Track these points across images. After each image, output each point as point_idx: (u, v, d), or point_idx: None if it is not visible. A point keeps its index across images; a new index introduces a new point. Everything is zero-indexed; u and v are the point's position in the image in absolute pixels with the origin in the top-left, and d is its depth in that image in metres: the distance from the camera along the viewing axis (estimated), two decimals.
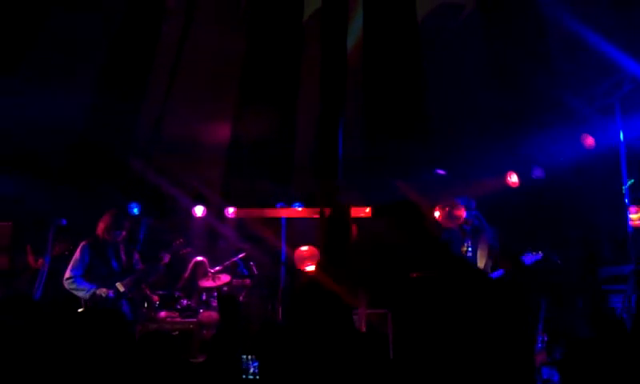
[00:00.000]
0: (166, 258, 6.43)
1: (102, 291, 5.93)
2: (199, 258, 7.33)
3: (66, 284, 5.96)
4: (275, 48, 8.77)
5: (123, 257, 6.25)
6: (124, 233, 6.24)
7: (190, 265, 7.55)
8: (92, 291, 5.91)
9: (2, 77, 7.29)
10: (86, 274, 6.01)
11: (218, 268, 7.61)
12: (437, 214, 6.33)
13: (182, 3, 8.95)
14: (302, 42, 8.87)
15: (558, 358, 4.83)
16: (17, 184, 7.04)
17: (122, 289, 6.03)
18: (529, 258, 6.00)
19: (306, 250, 7.18)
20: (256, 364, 3.56)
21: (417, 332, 3.30)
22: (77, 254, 6.04)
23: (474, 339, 3.31)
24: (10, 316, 3.47)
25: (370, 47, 8.65)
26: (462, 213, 6.24)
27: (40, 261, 6.27)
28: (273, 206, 7.24)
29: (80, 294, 5.90)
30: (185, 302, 7.39)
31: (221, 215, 8.72)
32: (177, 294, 7.42)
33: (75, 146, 8.13)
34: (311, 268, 6.98)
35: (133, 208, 7.99)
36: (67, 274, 5.97)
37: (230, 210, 8.68)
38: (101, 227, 6.18)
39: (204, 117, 9.10)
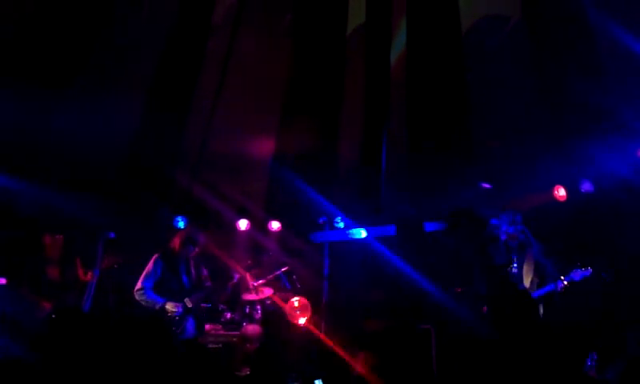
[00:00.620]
0: (236, 278, 6.57)
1: (171, 306, 6.07)
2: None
3: (137, 295, 6.10)
4: (319, 62, 8.80)
5: (193, 272, 6.40)
6: (197, 249, 6.37)
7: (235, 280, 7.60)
8: (161, 304, 6.05)
9: (56, 89, 7.54)
10: (157, 286, 6.16)
11: (261, 281, 7.64)
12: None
13: (229, 19, 9.10)
14: (345, 56, 8.89)
15: (609, 377, 4.68)
16: (68, 197, 7.25)
17: (189, 305, 6.15)
18: (578, 275, 5.84)
19: (298, 301, 7.12)
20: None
21: (459, 348, 3.25)
22: (149, 266, 6.21)
23: (519, 358, 3.23)
24: (61, 329, 3.57)
25: (414, 60, 8.60)
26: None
27: (89, 274, 6.43)
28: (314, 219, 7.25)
29: (149, 305, 6.05)
30: (228, 315, 7.45)
31: (264, 229, 8.79)
32: (220, 307, 7.49)
33: (125, 161, 8.33)
34: (302, 320, 6.92)
35: (178, 222, 8.11)
36: (138, 285, 6.13)
37: (274, 224, 8.74)
38: (176, 242, 6.36)
39: (249, 131, 9.20)
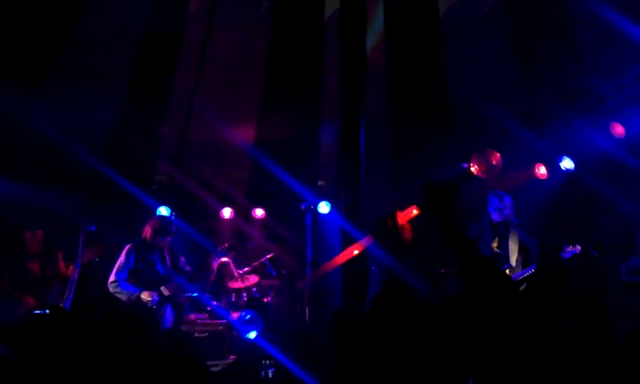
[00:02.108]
0: (215, 264, 6.47)
1: (147, 295, 5.95)
2: (224, 259, 7.34)
3: (111, 287, 6.00)
4: (296, 48, 8.76)
5: (168, 261, 6.28)
6: (169, 238, 6.27)
7: (215, 266, 7.59)
8: (136, 295, 5.93)
9: (30, 85, 7.43)
10: (131, 277, 6.05)
11: (246, 269, 7.64)
12: (474, 168, 6.20)
13: (204, 8, 9.01)
14: (322, 42, 8.86)
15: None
16: (46, 192, 7.17)
17: (166, 293, 6.04)
18: (567, 253, 5.87)
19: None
20: (272, 370, 3.55)
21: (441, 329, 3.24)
22: (122, 258, 6.10)
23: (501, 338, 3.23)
24: (42, 327, 3.53)
25: (393, 42, 8.60)
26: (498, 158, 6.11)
27: (70, 267, 6.35)
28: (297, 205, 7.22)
29: (124, 297, 5.93)
30: (214, 303, 7.44)
31: (248, 216, 8.78)
32: (206, 296, 7.46)
33: (104, 151, 8.24)
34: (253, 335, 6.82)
35: (159, 212, 8.05)
36: (112, 278, 6.02)
37: (258, 211, 8.72)
38: (147, 231, 6.23)
39: (229, 119, 9.15)
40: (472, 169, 6.50)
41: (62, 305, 5.91)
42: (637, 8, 6.39)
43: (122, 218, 7.75)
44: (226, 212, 8.69)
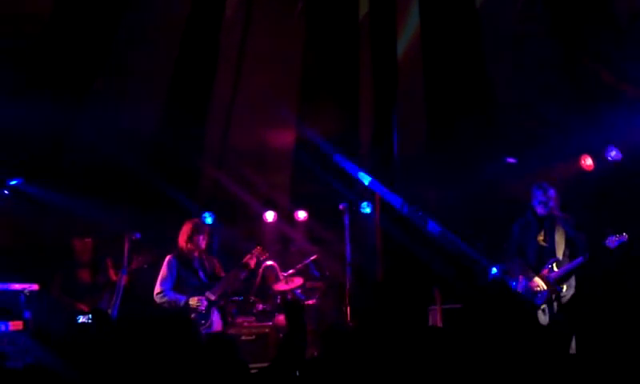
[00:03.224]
0: (252, 262, 6.53)
1: (195, 301, 6.04)
2: (269, 263, 7.41)
3: (157, 298, 6.11)
4: (332, 49, 8.76)
5: (207, 265, 6.36)
6: (205, 237, 6.35)
7: (260, 270, 7.66)
8: (184, 302, 6.04)
9: (75, 98, 7.64)
10: (176, 287, 6.15)
11: (290, 271, 7.67)
12: None
13: (240, 12, 9.11)
14: (358, 41, 8.83)
15: None
16: (93, 200, 7.36)
17: (212, 298, 6.13)
18: (613, 242, 5.71)
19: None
20: None
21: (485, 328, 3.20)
22: (164, 269, 6.19)
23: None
24: (90, 331, 3.63)
25: (429, 38, 8.50)
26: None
27: (119, 275, 6.50)
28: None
29: (171, 306, 6.03)
30: (260, 306, 7.50)
31: (291, 219, 8.82)
32: (252, 300, 7.54)
33: (147, 158, 8.41)
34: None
35: (206, 218, 8.18)
36: (157, 289, 6.13)
37: (301, 213, 8.75)
38: (182, 238, 6.31)
39: (268, 122, 9.22)
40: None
41: (109, 311, 6.07)
42: None
43: (167, 224, 7.91)
44: (269, 215, 8.75)
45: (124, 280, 6.39)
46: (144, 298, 6.42)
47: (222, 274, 6.44)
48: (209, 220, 8.25)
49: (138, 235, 6.52)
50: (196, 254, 6.32)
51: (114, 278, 6.70)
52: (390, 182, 6.94)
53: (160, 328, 3.50)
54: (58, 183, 7.45)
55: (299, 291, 7.59)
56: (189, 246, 6.28)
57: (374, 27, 7.82)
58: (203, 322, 6.09)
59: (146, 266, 6.91)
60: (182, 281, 6.19)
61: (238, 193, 8.76)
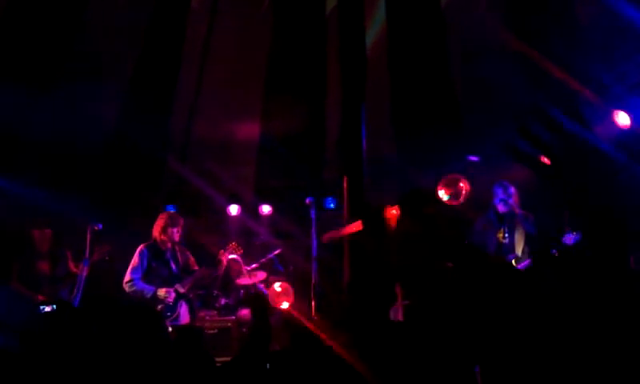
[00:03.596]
0: (225, 261, 6.59)
1: (163, 292, 6.11)
2: (232, 256, 7.40)
3: (126, 287, 6.16)
4: (299, 42, 8.76)
5: (180, 258, 6.43)
6: (179, 230, 6.41)
7: (225, 263, 7.63)
8: (152, 292, 6.09)
9: (36, 84, 7.46)
10: (145, 276, 6.21)
11: (254, 265, 7.67)
12: (441, 193, 6.30)
13: (206, 3, 9.03)
14: (325, 36, 8.85)
15: None
16: (54, 191, 7.22)
17: (181, 290, 6.20)
18: (570, 239, 5.89)
19: (280, 287, 7.12)
20: None
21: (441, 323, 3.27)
22: (135, 258, 6.26)
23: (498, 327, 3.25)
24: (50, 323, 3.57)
25: (395, 35, 8.57)
26: (466, 185, 6.22)
27: (80, 266, 6.42)
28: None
29: (140, 295, 6.09)
30: (223, 300, 7.48)
31: (255, 213, 8.80)
32: (215, 293, 7.51)
33: (109, 150, 8.28)
34: (285, 305, 6.93)
35: (169, 210, 8.07)
36: (127, 278, 6.19)
37: (265, 207, 8.74)
38: (157, 229, 6.39)
39: (234, 115, 9.18)
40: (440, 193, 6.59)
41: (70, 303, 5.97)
42: None
43: (129, 216, 7.81)
44: (233, 209, 8.72)
45: (85, 271, 6.31)
46: (105, 289, 6.36)
47: (195, 268, 6.50)
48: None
49: (100, 226, 6.46)
50: (169, 245, 6.38)
51: (73, 269, 6.60)
52: (358, 178, 7.00)
53: (125, 319, 3.47)
54: (16, 172, 7.27)
55: (262, 285, 7.59)
56: (162, 237, 6.35)
57: (342, 21, 7.86)
58: (169, 313, 6.13)
59: (107, 258, 6.84)
60: (152, 271, 6.25)
61: (201, 185, 8.71)
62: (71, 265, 6.61)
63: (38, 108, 7.56)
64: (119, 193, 7.90)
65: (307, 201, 6.95)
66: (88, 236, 6.44)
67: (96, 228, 6.52)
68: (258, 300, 3.90)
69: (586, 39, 7.34)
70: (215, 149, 9.03)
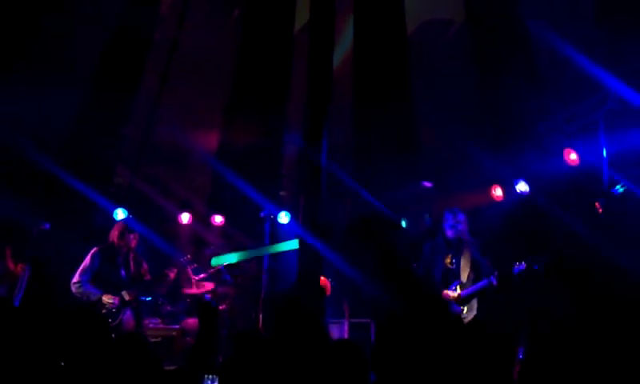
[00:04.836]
0: (172, 275, 6.56)
1: (108, 298, 6.06)
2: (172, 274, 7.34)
3: (73, 287, 6.09)
4: (265, 58, 8.81)
5: (132, 267, 6.39)
6: (136, 236, 6.43)
7: (172, 276, 7.54)
8: (98, 296, 6.04)
9: None
10: (94, 279, 6.15)
11: (202, 275, 7.59)
12: None
13: (175, 10, 8.99)
14: (291, 54, 8.92)
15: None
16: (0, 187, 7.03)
17: (127, 297, 6.15)
18: (515, 269, 6.03)
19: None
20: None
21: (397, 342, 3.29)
22: (87, 260, 6.19)
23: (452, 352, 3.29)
24: None
25: (360, 60, 8.71)
26: None
27: (20, 265, 6.24)
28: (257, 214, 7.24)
29: (85, 298, 6.05)
30: (168, 308, 7.37)
31: (207, 223, 8.73)
32: (160, 301, 7.40)
33: (62, 149, 8.11)
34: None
35: (117, 213, 7.93)
36: (75, 278, 6.12)
37: (217, 218, 8.68)
38: (114, 233, 6.39)
39: (193, 124, 9.12)
40: None
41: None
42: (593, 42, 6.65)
43: (76, 218, 7.65)
44: (185, 217, 8.63)
45: (27, 271, 6.15)
46: (47, 290, 6.21)
47: (147, 277, 6.49)
48: (121, 215, 7.98)
49: (47, 226, 6.32)
50: (124, 250, 6.37)
51: (11, 267, 6.42)
52: (315, 196, 7.05)
53: (66, 321, 3.39)
54: None
55: (209, 296, 7.52)
56: (119, 242, 6.35)
57: (312, 38, 7.96)
58: (110, 320, 6.03)
59: (49, 258, 6.70)
60: (102, 275, 6.21)
61: (154, 192, 8.61)
62: (10, 263, 6.42)
63: None
64: (68, 194, 7.72)
65: (262, 215, 6.97)
66: (34, 235, 6.29)
67: (43, 228, 6.37)
68: (208, 309, 3.81)
69: (542, 80, 7.61)
70: (172, 155, 8.95)
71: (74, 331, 3.29)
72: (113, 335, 5.73)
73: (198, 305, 6.93)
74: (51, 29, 7.91)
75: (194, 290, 7.44)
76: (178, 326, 7.17)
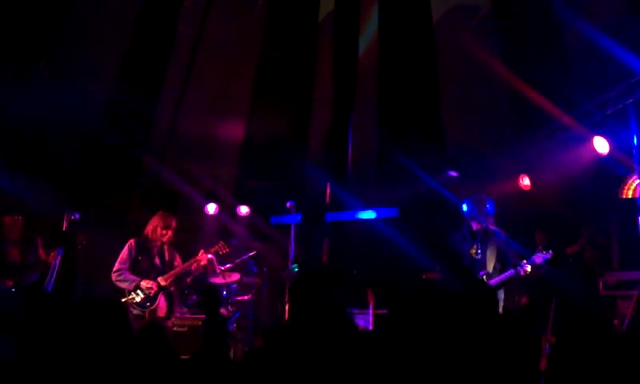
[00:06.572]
0: (204, 260, 6.68)
1: (147, 282, 6.37)
2: (208, 256, 7.40)
3: (114, 276, 6.43)
4: (290, 48, 8.79)
5: (167, 256, 6.67)
6: (169, 232, 6.61)
7: (205, 262, 7.61)
8: (137, 282, 6.35)
9: (18, 72, 7.40)
10: (132, 268, 6.47)
11: (228, 265, 7.64)
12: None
13: (200, 1, 9.01)
14: (316, 43, 8.89)
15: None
16: (31, 179, 7.18)
17: (163, 283, 6.44)
18: (539, 258, 5.95)
19: None
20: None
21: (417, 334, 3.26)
22: (124, 250, 6.51)
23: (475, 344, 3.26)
24: (22, 306, 3.53)
25: (385, 48, 8.64)
26: None
27: (52, 254, 6.37)
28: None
29: (125, 285, 6.38)
30: (194, 298, 7.44)
31: (233, 213, 8.79)
32: (186, 291, 7.47)
33: (91, 143, 8.24)
34: None
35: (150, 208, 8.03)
36: (115, 267, 6.46)
37: (243, 208, 8.74)
38: (149, 227, 6.63)
39: (219, 115, 9.17)
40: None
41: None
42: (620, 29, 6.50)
43: (106, 209, 7.78)
44: (211, 208, 8.70)
45: (58, 260, 6.29)
46: (77, 279, 6.36)
47: (180, 268, 6.71)
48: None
49: (77, 215, 6.47)
50: (157, 243, 6.62)
51: (43, 257, 6.57)
52: (342, 184, 7.07)
53: (91, 311, 3.44)
54: None
55: (234, 286, 7.58)
56: (153, 235, 6.59)
57: (337, 27, 7.93)
58: (149, 304, 6.36)
59: (79, 247, 6.87)
60: (138, 263, 6.50)
61: (180, 182, 8.70)
62: (41, 252, 6.57)
63: (21, 95, 7.50)
64: (98, 185, 7.86)
65: (288, 205, 6.98)
66: (64, 225, 6.43)
67: (73, 217, 6.51)
68: (209, 292, 3.77)
69: (571, 67, 7.47)
70: (198, 146, 9.02)
71: (95, 321, 3.35)
72: (146, 319, 6.17)
73: (199, 291, 7.14)
74: (76, 22, 7.99)
75: (220, 280, 7.49)
76: (204, 316, 7.22)
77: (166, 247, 6.68)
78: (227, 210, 8.76)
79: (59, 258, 6.31)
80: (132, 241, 6.56)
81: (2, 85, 7.08)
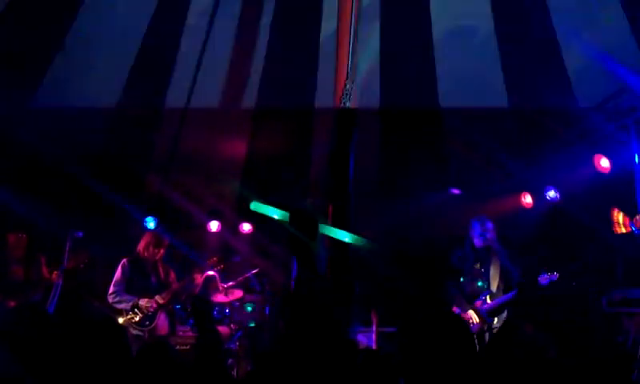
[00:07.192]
0: (200, 278, 6.71)
1: (145, 302, 6.36)
2: (210, 273, 7.40)
3: (110, 298, 6.40)
4: (292, 65, 8.83)
5: (161, 274, 6.67)
6: (162, 250, 6.65)
7: (200, 280, 7.61)
8: (135, 302, 6.35)
9: (20, 89, 7.44)
10: (127, 288, 6.47)
11: (230, 283, 7.63)
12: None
13: (203, 21, 9.05)
14: (317, 59, 8.93)
15: None
16: (33, 197, 7.19)
17: (161, 301, 6.44)
18: (544, 279, 5.94)
19: None
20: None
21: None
22: (118, 271, 6.49)
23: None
24: (21, 325, 3.52)
25: (386, 67, 8.68)
26: None
27: (55, 273, 6.39)
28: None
29: (122, 305, 6.35)
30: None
31: (235, 231, 8.78)
32: (189, 308, 7.45)
33: (94, 161, 8.25)
34: None
35: (148, 222, 8.05)
36: (111, 290, 6.43)
37: (245, 225, 8.73)
38: (141, 245, 6.65)
39: (222, 132, 9.18)
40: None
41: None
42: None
43: (108, 227, 7.78)
44: (213, 225, 8.70)
45: (61, 279, 6.30)
46: (79, 297, 6.36)
47: (175, 285, 6.73)
48: (151, 224, 8.09)
49: (80, 234, 6.50)
50: (151, 261, 6.63)
51: (46, 275, 6.59)
52: (344, 202, 7.07)
53: (90, 330, 3.43)
54: None
55: (237, 304, 7.57)
56: (145, 253, 6.60)
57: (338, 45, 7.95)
58: (147, 322, 6.36)
59: (82, 266, 6.88)
60: (133, 283, 6.50)
61: (183, 200, 8.69)
62: (44, 271, 6.58)
63: (23, 112, 7.53)
64: (99, 203, 7.86)
65: None
66: (67, 243, 6.46)
67: (76, 236, 6.54)
68: (201, 305, 3.68)
69: (573, 81, 7.48)
70: (200, 163, 9.03)
71: (95, 341, 3.34)
72: (145, 338, 6.00)
73: (192, 305, 7.11)
74: (80, 36, 8.01)
75: (222, 298, 7.48)
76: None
77: (160, 264, 6.67)
78: (229, 227, 8.75)
79: (62, 276, 6.33)
80: (125, 260, 6.54)
81: (4, 102, 7.12)
